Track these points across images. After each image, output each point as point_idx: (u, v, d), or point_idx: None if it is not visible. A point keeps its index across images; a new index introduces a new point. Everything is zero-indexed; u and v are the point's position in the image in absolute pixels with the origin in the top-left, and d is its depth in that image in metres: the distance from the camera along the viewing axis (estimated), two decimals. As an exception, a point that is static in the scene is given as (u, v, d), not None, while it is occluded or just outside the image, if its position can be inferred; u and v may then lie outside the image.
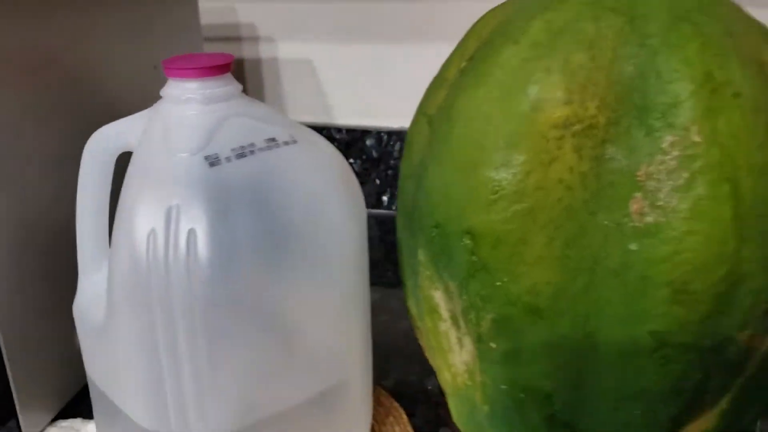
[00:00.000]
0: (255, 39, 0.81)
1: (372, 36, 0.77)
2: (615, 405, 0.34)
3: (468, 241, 0.33)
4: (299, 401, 0.37)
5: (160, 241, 0.32)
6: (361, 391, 0.41)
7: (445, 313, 0.37)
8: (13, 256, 0.44)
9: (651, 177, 0.31)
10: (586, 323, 0.32)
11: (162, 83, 0.37)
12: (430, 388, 0.51)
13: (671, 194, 0.30)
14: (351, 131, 0.79)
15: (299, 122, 0.39)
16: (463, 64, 0.36)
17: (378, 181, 0.80)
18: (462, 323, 0.36)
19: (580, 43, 0.32)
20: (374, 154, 0.79)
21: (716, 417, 0.36)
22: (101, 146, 0.38)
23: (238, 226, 0.33)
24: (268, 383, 0.35)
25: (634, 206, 0.31)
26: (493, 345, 0.34)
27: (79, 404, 0.50)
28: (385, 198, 0.80)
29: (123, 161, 0.37)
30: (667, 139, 0.30)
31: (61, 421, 0.48)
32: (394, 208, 0.80)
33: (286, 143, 0.36)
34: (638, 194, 0.31)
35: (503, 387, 0.35)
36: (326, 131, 0.79)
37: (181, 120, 0.35)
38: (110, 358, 0.36)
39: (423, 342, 0.42)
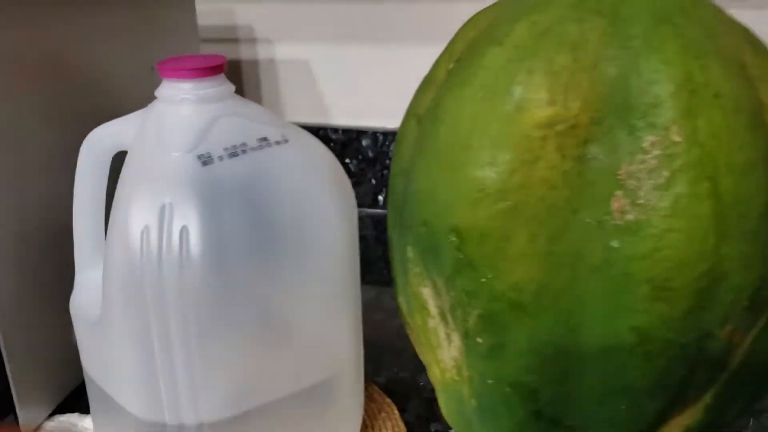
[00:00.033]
0: (252, 40, 0.82)
1: (368, 38, 0.78)
2: (600, 400, 0.35)
3: (454, 238, 0.34)
4: (290, 393, 0.37)
5: (154, 237, 0.33)
6: (353, 386, 0.42)
7: (433, 309, 0.38)
8: (13, 254, 0.45)
9: (632, 176, 0.31)
10: (569, 319, 0.33)
11: (159, 84, 0.38)
12: (422, 384, 0.51)
13: (652, 192, 0.31)
14: (347, 131, 0.80)
15: (296, 122, 0.40)
16: (451, 65, 0.37)
17: (374, 181, 0.80)
18: (450, 319, 0.37)
19: (564, 45, 0.32)
20: (370, 154, 0.80)
21: (701, 412, 0.37)
22: (97, 146, 0.38)
23: (229, 223, 0.34)
24: (259, 375, 0.36)
25: (615, 204, 0.31)
26: (479, 340, 0.35)
27: (77, 400, 0.50)
28: (380, 198, 0.81)
29: (119, 160, 0.38)
30: (648, 138, 0.31)
31: (58, 415, 0.49)
32: (390, 207, 0.80)
33: (278, 143, 0.37)
34: (619, 192, 0.31)
35: (490, 382, 0.36)
36: (323, 131, 0.80)
37: (174, 120, 0.36)
38: (106, 351, 0.37)
39: (413, 338, 0.42)
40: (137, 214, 0.33)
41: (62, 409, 0.50)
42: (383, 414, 0.48)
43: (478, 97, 0.33)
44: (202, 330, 0.34)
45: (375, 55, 0.78)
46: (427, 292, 0.38)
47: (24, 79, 0.45)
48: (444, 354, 0.39)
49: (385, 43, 0.78)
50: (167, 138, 0.35)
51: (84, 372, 0.41)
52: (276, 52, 0.81)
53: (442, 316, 0.38)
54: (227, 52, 0.82)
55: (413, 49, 0.77)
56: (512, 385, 0.35)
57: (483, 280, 0.33)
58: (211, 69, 0.36)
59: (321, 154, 0.38)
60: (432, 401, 0.50)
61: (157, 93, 0.37)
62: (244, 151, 0.35)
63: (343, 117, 0.82)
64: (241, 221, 0.34)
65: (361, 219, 0.79)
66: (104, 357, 0.37)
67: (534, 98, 0.32)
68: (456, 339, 0.37)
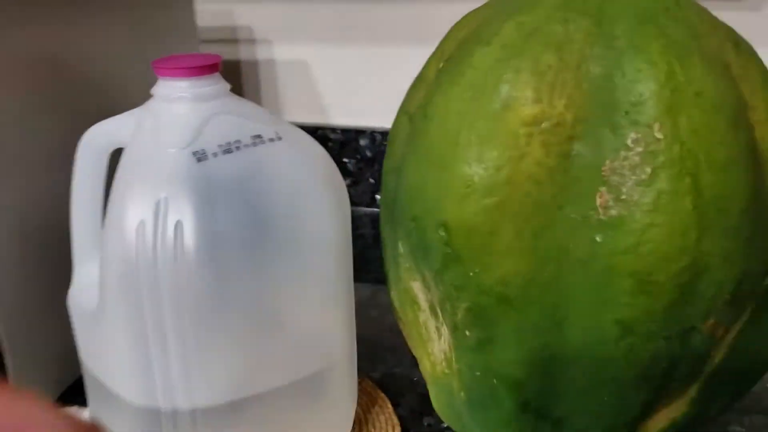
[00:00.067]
0: (251, 41, 0.82)
1: (366, 38, 0.79)
2: (585, 391, 0.36)
3: (442, 233, 0.34)
4: (283, 384, 0.38)
5: (149, 232, 0.34)
6: (346, 379, 0.43)
7: (423, 303, 0.39)
8: (13, 249, 0.45)
9: (615, 172, 0.32)
10: (555, 312, 0.34)
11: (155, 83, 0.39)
12: (416, 380, 0.52)
13: (634, 188, 0.32)
14: (346, 131, 0.81)
15: (295, 122, 0.40)
16: (441, 64, 0.37)
17: (372, 180, 0.81)
18: (439, 313, 0.38)
19: (550, 45, 0.33)
20: (368, 153, 0.80)
21: (686, 405, 0.37)
22: (94, 143, 0.39)
23: (223, 218, 0.34)
24: (252, 365, 0.37)
25: (599, 200, 0.32)
26: (467, 333, 0.36)
27: (75, 394, 0.51)
28: (378, 197, 0.82)
29: (117, 157, 0.38)
30: (631, 135, 0.32)
31: (57, 409, 0.50)
32: (387, 206, 0.81)
33: (272, 140, 0.38)
34: (603, 188, 0.32)
35: (478, 374, 0.37)
36: (321, 131, 0.81)
37: (170, 117, 0.36)
38: (103, 343, 0.38)
39: (405, 333, 0.43)
40: (133, 208, 0.34)
41: (60, 402, 0.50)
42: (377, 408, 0.49)
43: (467, 96, 0.34)
44: (196, 321, 0.34)
45: (373, 55, 0.79)
46: (417, 287, 0.38)
47: (24, 79, 0.45)
48: (434, 347, 0.40)
49: (384, 44, 0.78)
50: (163, 135, 0.36)
51: (81, 365, 0.42)
52: (275, 52, 0.82)
53: (432, 310, 0.38)
54: (226, 52, 0.83)
55: (411, 50, 0.77)
56: (500, 377, 0.36)
57: (471, 274, 0.34)
58: (206, 68, 0.37)
59: (314, 150, 0.39)
60: (425, 396, 0.50)
61: (153, 91, 0.37)
62: (238, 148, 0.36)
63: (341, 117, 0.83)
64: (235, 216, 0.35)
65: (359, 218, 0.80)
66: (101, 347, 0.38)
67: (520, 96, 0.33)
68: (445, 332, 0.38)
